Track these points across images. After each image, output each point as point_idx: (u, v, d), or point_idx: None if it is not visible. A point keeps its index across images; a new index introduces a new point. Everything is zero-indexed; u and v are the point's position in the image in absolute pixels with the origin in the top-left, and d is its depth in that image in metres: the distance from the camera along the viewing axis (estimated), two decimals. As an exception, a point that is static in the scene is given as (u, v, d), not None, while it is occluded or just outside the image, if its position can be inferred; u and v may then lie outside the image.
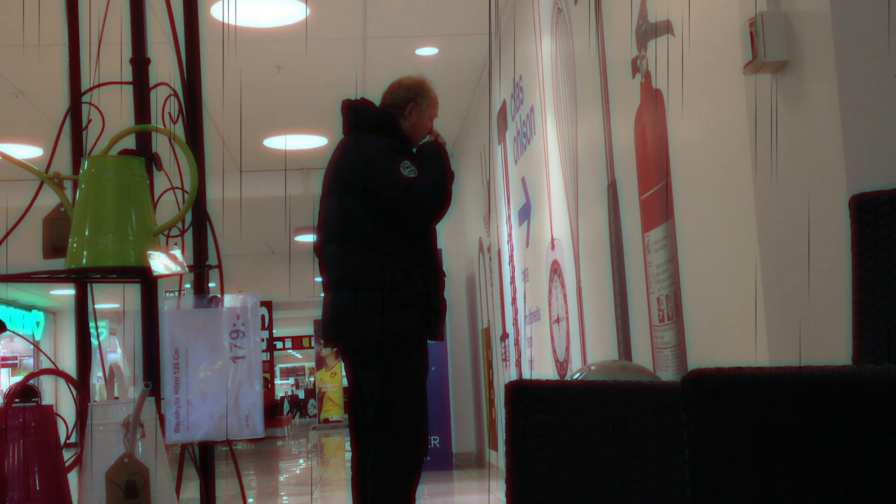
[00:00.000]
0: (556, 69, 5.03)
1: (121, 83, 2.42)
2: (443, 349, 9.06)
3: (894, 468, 1.14)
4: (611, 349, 4.21)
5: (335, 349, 3.93)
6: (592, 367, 3.12)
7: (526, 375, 6.19)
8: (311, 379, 29.35)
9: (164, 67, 2.51)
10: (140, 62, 2.42)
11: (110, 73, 2.43)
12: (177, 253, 2.10)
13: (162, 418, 2.14)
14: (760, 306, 2.61)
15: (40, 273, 2.17)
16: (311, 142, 9.04)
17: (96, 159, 2.13)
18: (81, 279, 2.30)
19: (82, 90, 2.50)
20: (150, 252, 2.04)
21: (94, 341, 2.41)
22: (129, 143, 2.32)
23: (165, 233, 2.20)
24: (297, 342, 27.83)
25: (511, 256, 6.80)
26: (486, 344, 8.41)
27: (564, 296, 5.10)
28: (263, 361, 3.31)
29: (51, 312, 19.99)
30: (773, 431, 1.17)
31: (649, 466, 1.62)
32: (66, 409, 2.29)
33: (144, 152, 2.30)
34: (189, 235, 2.39)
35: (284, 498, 8.88)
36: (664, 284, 3.48)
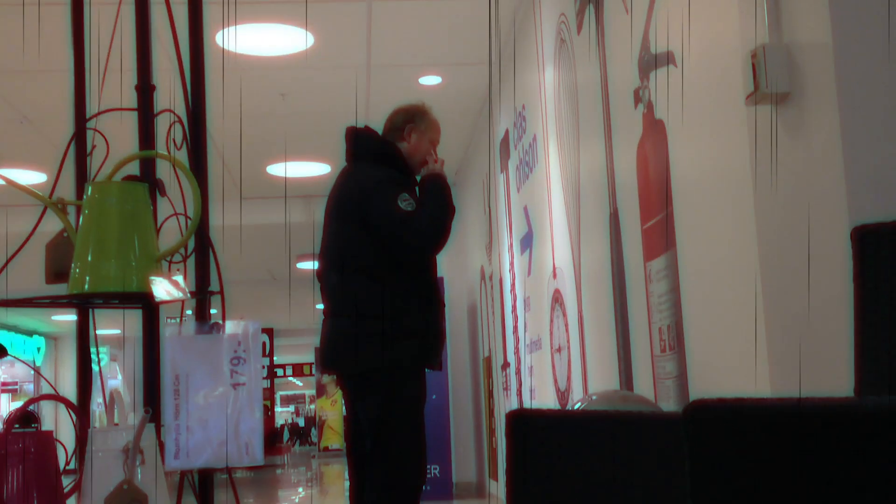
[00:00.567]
0: (558, 98, 5.05)
1: (125, 109, 2.43)
2: (444, 378, 9.03)
3: (896, 500, 1.14)
4: (612, 379, 4.20)
5: (334, 376, 3.91)
6: (594, 397, 3.11)
7: (527, 405, 6.17)
8: (312, 407, 29.26)
9: (168, 94, 2.52)
10: (145, 89, 2.43)
11: (115, 99, 2.45)
12: (179, 279, 2.10)
13: (162, 445, 2.13)
14: (762, 337, 2.60)
15: (42, 298, 2.17)
16: (314, 169, 9.05)
17: (100, 185, 2.13)
18: (84, 304, 2.30)
19: (87, 116, 2.51)
20: (152, 278, 2.05)
21: (94, 367, 2.41)
22: (133, 168, 2.33)
23: (168, 258, 2.21)
24: (298, 369, 27.81)
25: (513, 285, 6.80)
26: (487, 373, 8.39)
27: (566, 325, 5.09)
28: (264, 388, 3.30)
29: (52, 338, 19.98)
30: (775, 462, 1.16)
31: (651, 497, 1.61)
32: (66, 434, 2.29)
33: (148, 178, 2.31)
34: (191, 261, 2.40)
35: (283, 527, 8.81)
36: (666, 314, 3.47)
